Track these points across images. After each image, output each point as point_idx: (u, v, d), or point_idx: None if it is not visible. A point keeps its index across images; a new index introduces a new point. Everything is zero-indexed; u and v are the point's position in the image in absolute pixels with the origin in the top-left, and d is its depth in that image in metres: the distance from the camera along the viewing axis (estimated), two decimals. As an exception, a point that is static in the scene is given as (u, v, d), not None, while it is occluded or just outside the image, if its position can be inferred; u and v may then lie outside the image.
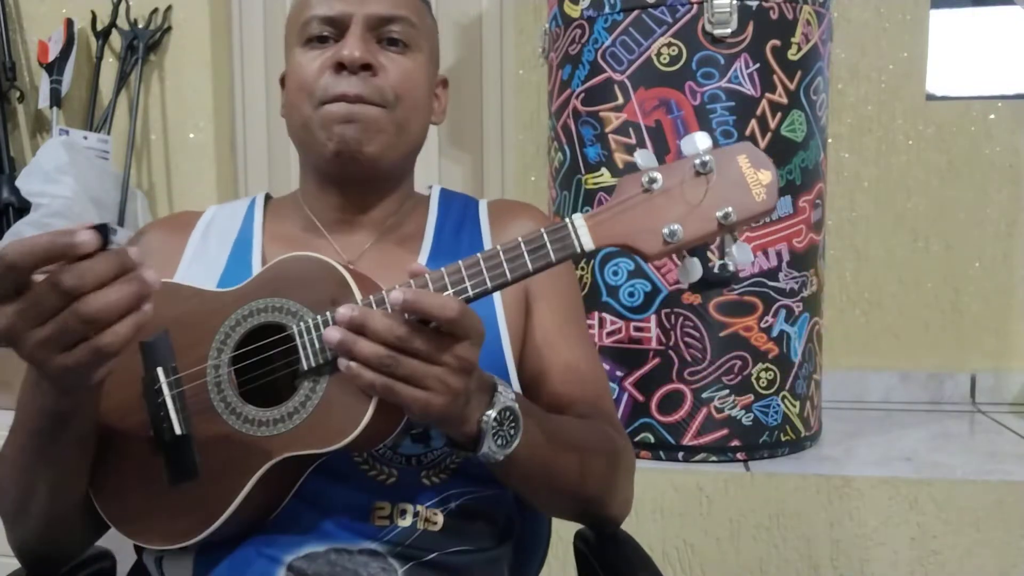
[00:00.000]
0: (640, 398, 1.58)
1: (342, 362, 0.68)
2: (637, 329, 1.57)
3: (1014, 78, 2.02)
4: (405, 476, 0.81)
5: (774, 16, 1.53)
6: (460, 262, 0.70)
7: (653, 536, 1.52)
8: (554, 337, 0.90)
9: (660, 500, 1.52)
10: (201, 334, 0.76)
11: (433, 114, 0.95)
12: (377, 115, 0.85)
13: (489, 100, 2.19)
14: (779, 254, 1.56)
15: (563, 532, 0.98)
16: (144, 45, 2.09)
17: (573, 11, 1.60)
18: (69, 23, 2.08)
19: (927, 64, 2.04)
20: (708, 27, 1.50)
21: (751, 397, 1.56)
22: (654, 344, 1.56)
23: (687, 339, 1.54)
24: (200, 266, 0.89)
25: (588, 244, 0.70)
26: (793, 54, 1.54)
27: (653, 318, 1.55)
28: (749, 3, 1.51)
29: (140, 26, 2.10)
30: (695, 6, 1.50)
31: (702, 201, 0.69)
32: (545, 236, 0.70)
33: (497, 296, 0.87)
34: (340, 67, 0.85)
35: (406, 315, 0.66)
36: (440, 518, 0.82)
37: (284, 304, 0.74)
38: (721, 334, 1.54)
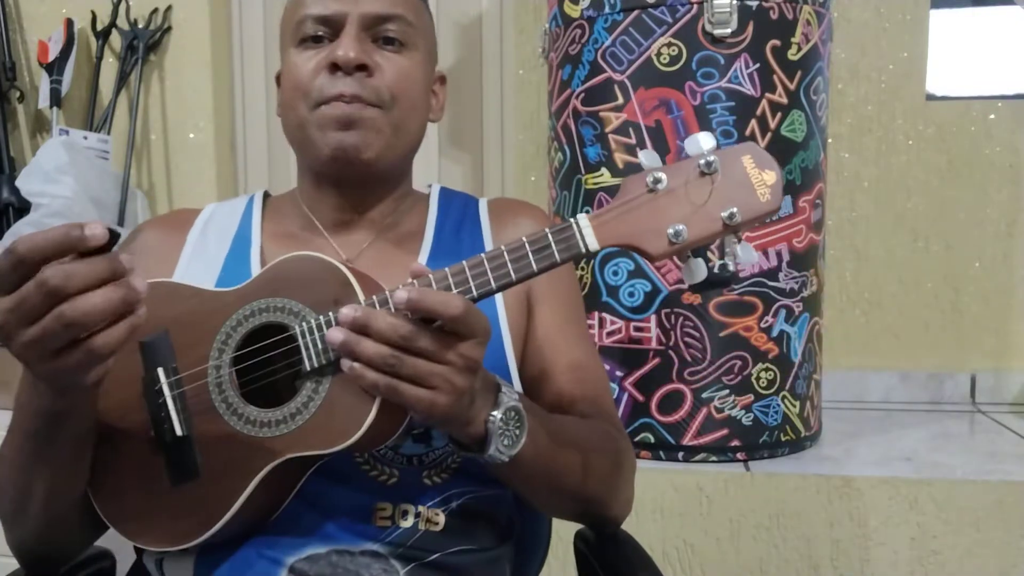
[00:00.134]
0: (640, 398, 1.58)
1: (345, 363, 0.67)
2: (637, 329, 1.57)
3: (1014, 78, 2.02)
4: (406, 476, 0.81)
5: (774, 16, 1.53)
6: (464, 262, 0.70)
7: (653, 536, 1.52)
8: (556, 337, 0.90)
9: (660, 500, 1.52)
10: (202, 334, 0.75)
11: (431, 112, 0.94)
12: (374, 116, 0.84)
13: (489, 100, 2.19)
14: (779, 254, 1.56)
15: (563, 532, 0.98)
16: (144, 45, 2.09)
17: (573, 11, 1.60)
18: (69, 23, 2.08)
19: (927, 64, 2.04)
20: (708, 27, 1.50)
21: (751, 397, 1.56)
22: (654, 344, 1.56)
23: (687, 339, 1.54)
24: (199, 264, 0.89)
25: (593, 244, 0.69)
26: (793, 54, 1.54)
27: (653, 318, 1.55)
28: (749, 3, 1.51)
29: (140, 26, 2.10)
30: (695, 6, 1.50)
31: (707, 201, 0.69)
32: (550, 236, 0.70)
33: (498, 296, 0.87)
34: (335, 68, 0.84)
35: (409, 314, 0.66)
36: (441, 518, 0.81)
37: (286, 304, 0.74)
38: (721, 334, 1.54)
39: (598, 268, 1.59)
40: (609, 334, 1.59)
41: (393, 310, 0.68)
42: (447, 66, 2.17)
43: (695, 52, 1.51)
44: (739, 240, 0.70)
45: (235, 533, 0.76)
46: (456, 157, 2.22)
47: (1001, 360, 2.06)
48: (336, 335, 0.67)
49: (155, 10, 2.11)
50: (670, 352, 1.55)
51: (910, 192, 2.06)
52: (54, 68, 2.06)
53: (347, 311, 0.67)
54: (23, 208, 1.92)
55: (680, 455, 1.57)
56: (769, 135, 1.54)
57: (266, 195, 0.98)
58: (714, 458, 1.56)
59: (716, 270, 0.71)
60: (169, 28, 2.12)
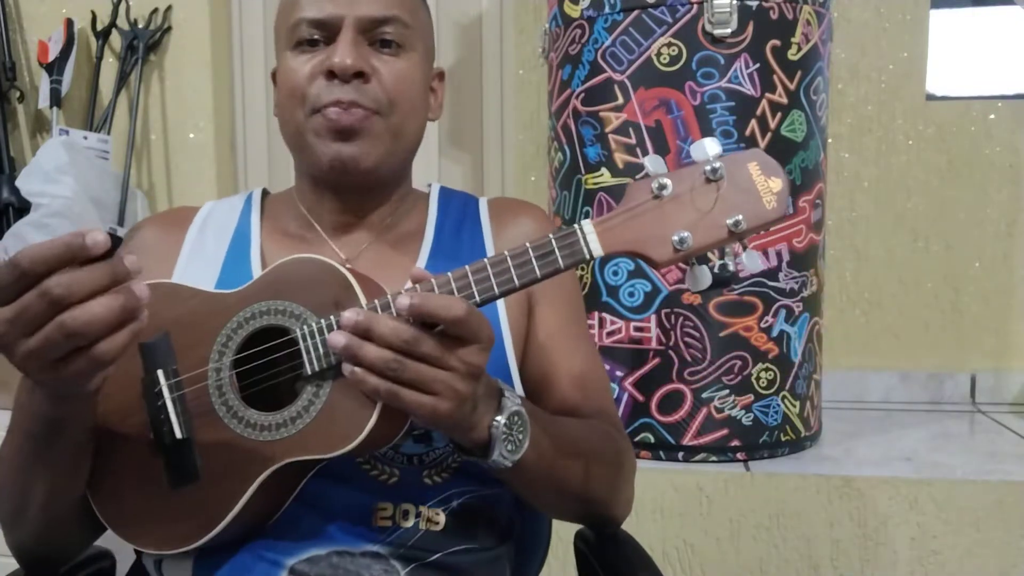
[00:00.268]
0: (640, 398, 1.58)
1: (346, 367, 0.67)
2: (637, 329, 1.57)
3: (1014, 78, 2.02)
4: (407, 476, 0.81)
5: (774, 16, 1.53)
6: (467, 267, 0.69)
7: (653, 536, 1.52)
8: (557, 339, 0.90)
9: (660, 500, 1.52)
10: (202, 336, 0.75)
11: (430, 110, 0.92)
12: (372, 123, 0.83)
13: (489, 100, 2.19)
14: (779, 254, 1.56)
15: (563, 532, 0.98)
16: (144, 45, 2.09)
17: (573, 11, 1.60)
18: (69, 23, 2.08)
19: (927, 64, 2.04)
20: (708, 27, 1.50)
21: (751, 397, 1.56)
22: (654, 344, 1.56)
23: (687, 339, 1.54)
24: (198, 263, 0.88)
25: (597, 251, 0.69)
26: (793, 54, 1.54)
27: (653, 318, 1.55)
28: (749, 3, 1.51)
29: (140, 26, 2.10)
30: (695, 6, 1.50)
31: (712, 209, 0.68)
32: (554, 242, 0.69)
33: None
34: (332, 75, 0.82)
35: (410, 319, 0.66)
36: (442, 518, 0.81)
37: (287, 307, 0.73)
38: (721, 334, 1.54)
39: (598, 268, 1.58)
40: (609, 334, 1.59)
41: (395, 315, 0.67)
42: (447, 66, 2.17)
43: (695, 52, 1.51)
44: (744, 247, 0.70)
45: (234, 536, 0.76)
46: (456, 157, 2.22)
47: (1001, 360, 2.06)
48: (338, 339, 0.66)
49: (155, 10, 2.11)
50: (670, 352, 1.55)
51: (910, 192, 2.06)
52: (54, 68, 2.06)
53: (349, 315, 0.66)
54: (23, 208, 1.92)
55: (680, 455, 1.57)
56: (769, 135, 1.54)
57: (265, 192, 0.98)
58: (714, 458, 1.56)
59: (716, 270, 0.70)
60: (169, 28, 2.12)
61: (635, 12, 1.53)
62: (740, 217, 0.68)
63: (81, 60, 2.14)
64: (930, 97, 2.04)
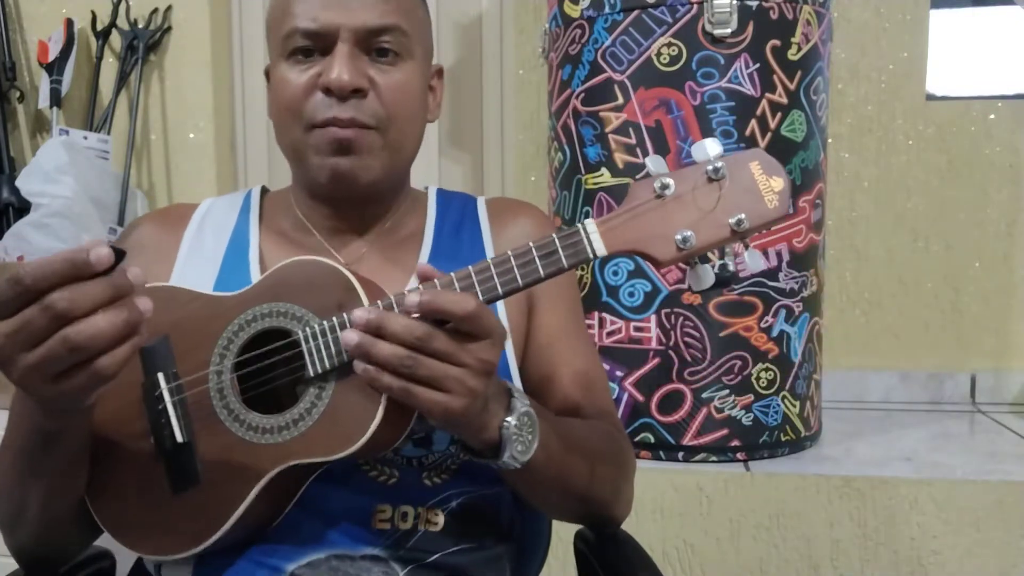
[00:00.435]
0: (640, 398, 1.58)
1: (359, 365, 0.66)
2: (637, 329, 1.57)
3: (1014, 78, 2.02)
4: (406, 477, 0.80)
5: (774, 16, 1.53)
6: (470, 268, 0.69)
7: (653, 536, 1.52)
8: (558, 340, 0.89)
9: (660, 500, 1.52)
10: (202, 339, 0.74)
11: (429, 111, 0.91)
12: (371, 139, 0.82)
13: (489, 100, 2.19)
14: (779, 254, 1.56)
15: (563, 532, 0.98)
16: (144, 45, 2.09)
17: (573, 11, 1.60)
18: (69, 23, 2.08)
19: (927, 64, 2.04)
20: (708, 27, 1.50)
21: (751, 397, 1.56)
22: (654, 344, 1.56)
23: (687, 339, 1.54)
24: (196, 262, 0.87)
25: (600, 250, 0.69)
26: (793, 54, 1.54)
27: (653, 318, 1.55)
28: (749, 3, 1.51)
29: (140, 26, 2.10)
30: (695, 6, 1.50)
31: (715, 208, 0.68)
32: (557, 242, 0.69)
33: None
34: (329, 90, 0.80)
35: (421, 317, 0.66)
36: (441, 518, 0.81)
37: (289, 309, 0.73)
38: (721, 334, 1.54)
39: (598, 268, 1.58)
40: (609, 334, 1.59)
41: (403, 314, 0.67)
42: (447, 66, 2.17)
43: (695, 52, 1.51)
44: (747, 246, 0.70)
45: (235, 540, 0.76)
46: (456, 157, 2.22)
47: (1001, 360, 2.06)
48: (351, 336, 0.66)
49: (155, 10, 2.11)
50: (670, 352, 1.55)
51: (910, 192, 2.06)
52: (54, 68, 2.06)
53: (361, 313, 0.66)
54: (23, 208, 1.92)
55: (680, 455, 1.57)
56: (769, 135, 1.54)
57: (264, 190, 0.97)
58: (714, 458, 1.56)
59: (717, 270, 0.71)
60: (169, 28, 2.12)
61: (635, 12, 1.53)
62: (742, 216, 0.68)
63: (81, 60, 2.14)
64: (930, 97, 2.04)
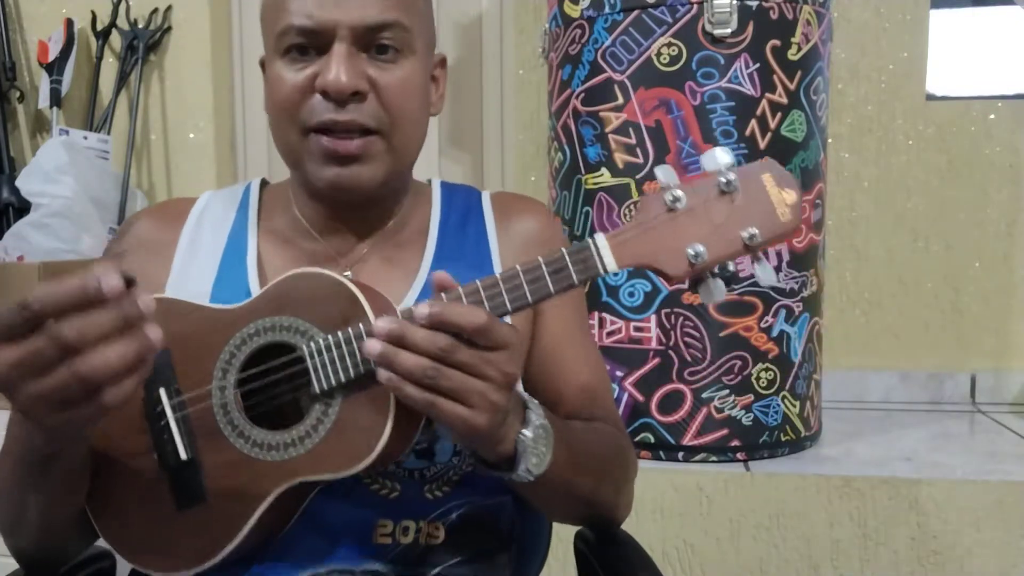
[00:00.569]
0: (640, 398, 1.58)
1: (382, 373, 0.65)
2: (637, 329, 1.57)
3: (1014, 78, 2.02)
4: (408, 490, 0.79)
5: (774, 16, 1.53)
6: (478, 282, 0.68)
7: (653, 536, 1.52)
8: (564, 345, 0.89)
9: (660, 500, 1.52)
10: (203, 353, 0.72)
11: (432, 105, 0.87)
12: (373, 145, 0.79)
13: (489, 100, 2.19)
14: (779, 254, 1.56)
15: (563, 532, 0.98)
16: (144, 45, 2.09)
17: (573, 11, 1.60)
18: (69, 23, 2.08)
19: (927, 64, 2.04)
20: (708, 27, 1.50)
21: (751, 397, 1.56)
22: (654, 344, 1.56)
23: (687, 339, 1.54)
24: (194, 263, 0.85)
25: (611, 265, 0.68)
26: (793, 54, 1.54)
27: (653, 318, 1.55)
28: (749, 3, 1.51)
29: (140, 26, 2.11)
30: (695, 6, 1.50)
31: (727, 221, 0.67)
32: (567, 257, 0.68)
33: None
34: (326, 93, 0.77)
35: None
36: (442, 532, 0.80)
37: (292, 323, 0.71)
38: (721, 334, 1.54)
39: (598, 268, 1.58)
40: (609, 334, 1.59)
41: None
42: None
43: (695, 52, 1.51)
44: (758, 260, 0.69)
45: (236, 557, 0.74)
46: (456, 157, 2.22)
47: (1001, 360, 2.06)
48: (374, 346, 0.65)
49: (155, 10, 2.11)
50: (670, 352, 1.55)
51: (910, 192, 2.06)
52: (54, 68, 2.06)
53: (383, 322, 0.65)
54: (23, 208, 1.92)
55: (680, 455, 1.57)
56: (769, 135, 1.54)
57: (264, 182, 0.94)
58: (714, 458, 1.56)
59: (716, 270, 0.70)
60: (169, 28, 2.12)
61: (635, 12, 1.53)
62: (755, 230, 0.67)
63: (81, 60, 2.14)
64: (930, 97, 2.04)
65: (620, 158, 1.56)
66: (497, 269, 0.85)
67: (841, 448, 1.68)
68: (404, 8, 0.80)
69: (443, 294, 0.68)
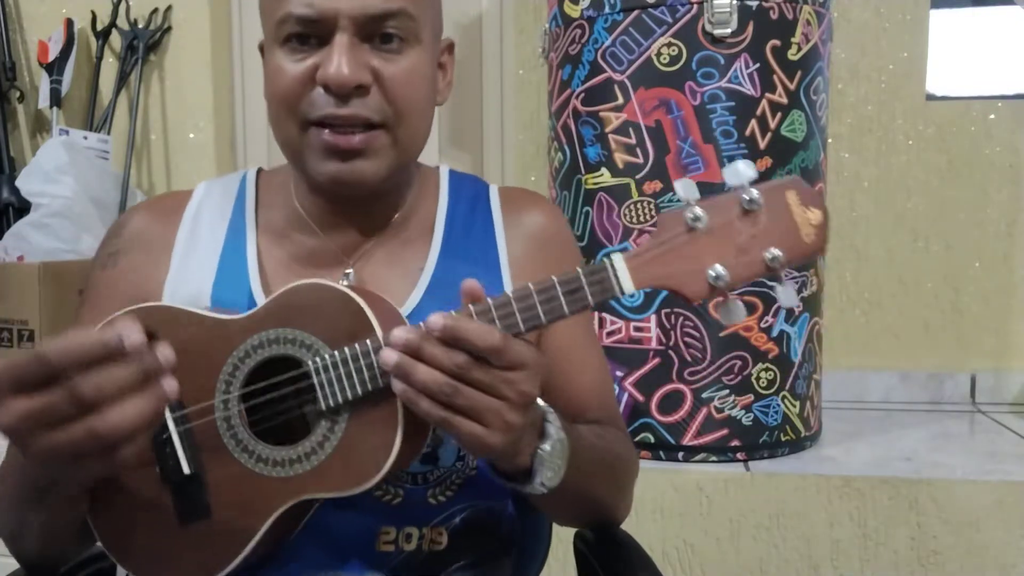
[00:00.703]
0: (640, 398, 1.58)
1: (397, 386, 0.63)
2: (637, 329, 1.57)
3: (1014, 78, 2.02)
4: (411, 495, 0.77)
5: (774, 16, 1.53)
6: (489, 300, 0.65)
7: (653, 536, 1.52)
8: (570, 348, 0.87)
9: (660, 500, 1.52)
10: (205, 365, 0.70)
11: (438, 93, 0.83)
12: (377, 139, 0.75)
13: (489, 100, 2.19)
14: (779, 254, 1.56)
15: (563, 532, 0.98)
16: (144, 45, 2.09)
17: (573, 11, 1.60)
18: (69, 23, 2.08)
19: (927, 64, 2.04)
20: (708, 27, 1.50)
21: (751, 397, 1.56)
22: (654, 344, 1.56)
23: (687, 339, 1.54)
24: (193, 262, 0.82)
25: (628, 287, 0.65)
26: (793, 54, 1.54)
27: (653, 318, 1.55)
28: (749, 3, 1.51)
29: (140, 26, 2.11)
30: (695, 6, 1.50)
31: (749, 242, 0.64)
32: (583, 277, 0.65)
33: None
34: (328, 87, 0.73)
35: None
36: (445, 537, 0.79)
37: (297, 336, 0.69)
38: (721, 334, 1.54)
39: (598, 268, 1.58)
40: (609, 334, 1.59)
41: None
42: (447, 66, 2.17)
43: (695, 52, 1.51)
44: (780, 281, 0.66)
45: (239, 570, 0.73)
46: (456, 157, 2.22)
47: (1001, 360, 2.06)
48: (390, 356, 0.63)
49: (155, 10, 2.11)
50: (670, 352, 1.55)
51: (910, 192, 2.06)
52: (54, 68, 2.06)
53: (401, 332, 0.63)
54: (23, 208, 1.92)
55: (680, 455, 1.57)
56: (769, 135, 1.54)
57: (259, 172, 0.91)
58: (714, 458, 1.56)
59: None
60: (169, 28, 2.12)
61: (635, 12, 1.53)
62: (778, 252, 0.64)
63: (81, 60, 2.14)
64: (930, 97, 2.04)
65: (620, 158, 1.56)
66: (504, 267, 0.83)
67: (841, 448, 1.68)
68: None
69: (453, 311, 0.65)
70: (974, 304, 2.06)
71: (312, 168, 0.77)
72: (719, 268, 0.64)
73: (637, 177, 1.54)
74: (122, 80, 2.11)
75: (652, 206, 1.54)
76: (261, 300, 0.78)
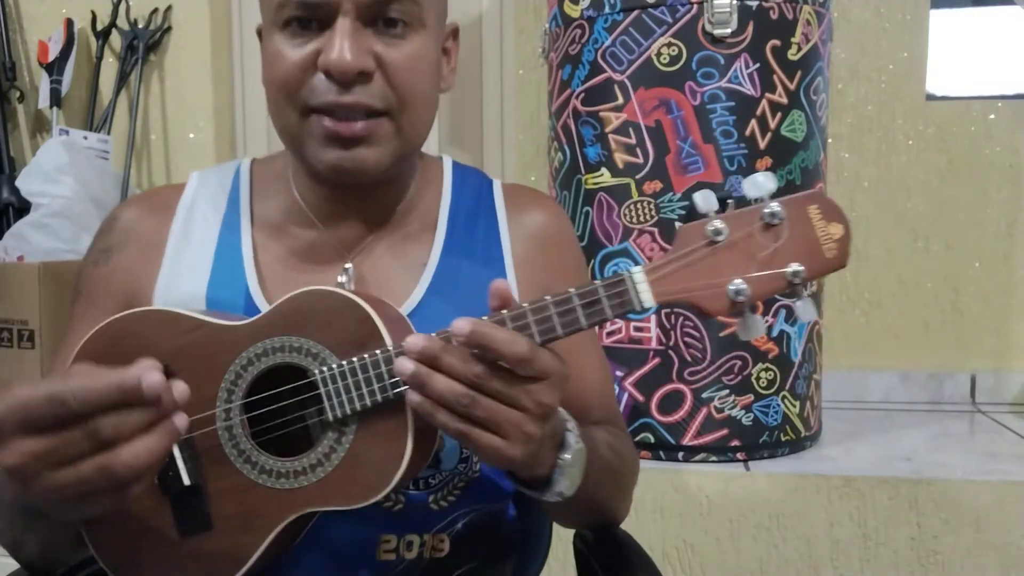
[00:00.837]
0: (640, 398, 1.58)
1: (412, 398, 0.61)
2: (637, 329, 1.57)
3: (1014, 78, 2.02)
4: (413, 502, 0.76)
5: (774, 16, 1.53)
6: (505, 313, 0.63)
7: (653, 536, 1.52)
8: (569, 343, 0.83)
9: (660, 500, 1.52)
10: (206, 372, 0.68)
11: (443, 80, 0.81)
12: (379, 127, 0.73)
13: (489, 100, 2.19)
14: (779, 254, 1.56)
15: (563, 532, 0.98)
16: (144, 45, 2.09)
17: (573, 11, 1.60)
18: (69, 23, 2.08)
19: (927, 64, 2.04)
20: (708, 27, 1.50)
21: (751, 397, 1.56)
22: (654, 344, 1.56)
23: (687, 339, 1.54)
24: (186, 258, 0.80)
25: (648, 301, 0.64)
26: (793, 54, 1.54)
27: (653, 318, 1.55)
28: (749, 3, 1.51)
29: (140, 26, 2.10)
30: (695, 6, 1.50)
31: (770, 257, 0.63)
32: (601, 291, 0.64)
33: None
34: (329, 73, 0.71)
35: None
36: (447, 544, 0.77)
37: (303, 344, 0.67)
38: (721, 334, 1.54)
39: (598, 268, 1.58)
40: (609, 334, 1.59)
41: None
42: (447, 66, 2.17)
43: (695, 52, 1.51)
44: (800, 297, 0.65)
45: None
46: (456, 156, 2.19)
47: (1001, 360, 2.06)
48: (406, 365, 0.60)
49: (155, 10, 2.11)
50: (670, 352, 1.55)
51: (910, 192, 2.06)
52: (54, 68, 2.06)
53: (416, 340, 0.60)
54: (23, 208, 1.92)
55: (680, 455, 1.57)
56: (769, 135, 1.54)
57: (254, 162, 0.88)
58: (714, 458, 1.56)
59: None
60: (169, 28, 2.12)
61: (635, 12, 1.53)
62: (799, 267, 0.63)
63: (81, 60, 2.14)
64: (930, 97, 2.04)
65: (620, 158, 1.56)
66: (508, 265, 0.82)
67: (841, 448, 1.68)
68: None
69: (476, 319, 0.62)
70: (974, 304, 2.06)
71: (312, 156, 0.75)
72: (740, 284, 0.63)
73: (637, 177, 1.54)
74: (122, 80, 2.11)
75: (652, 206, 1.54)
76: (258, 297, 0.77)
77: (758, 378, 1.56)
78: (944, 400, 2.07)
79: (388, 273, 0.77)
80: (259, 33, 0.79)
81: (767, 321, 1.56)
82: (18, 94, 2.17)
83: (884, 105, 2.05)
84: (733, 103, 1.52)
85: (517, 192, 0.88)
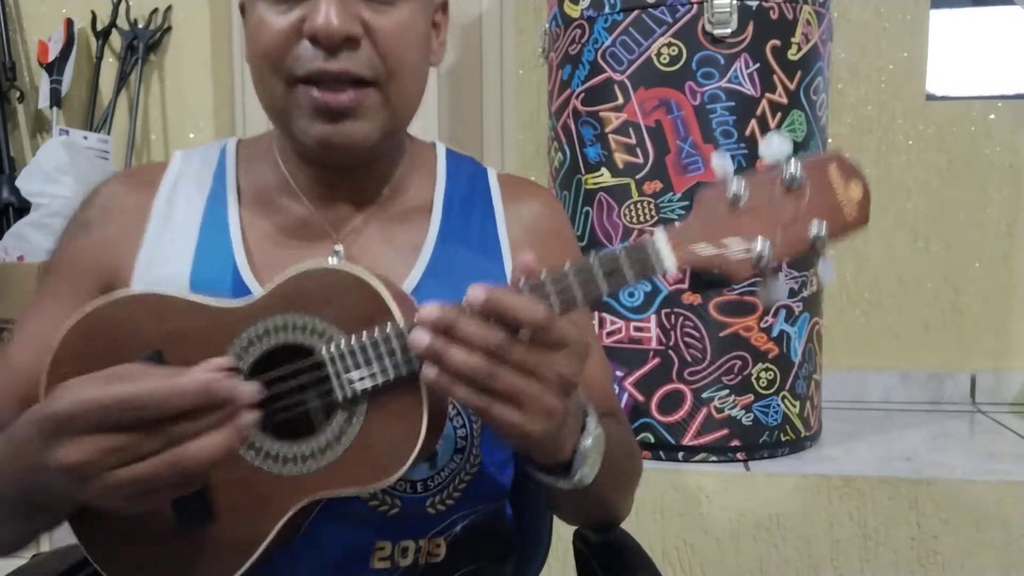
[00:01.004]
0: (640, 398, 1.58)
1: (428, 373, 0.58)
2: (637, 329, 1.57)
3: (1014, 78, 2.02)
4: (409, 505, 0.73)
5: (774, 16, 1.53)
6: (522, 282, 0.61)
7: (653, 536, 1.52)
8: None
9: (660, 500, 1.52)
10: (205, 355, 0.63)
11: (432, 54, 0.78)
12: (368, 97, 0.71)
13: (489, 100, 2.19)
14: (779, 254, 1.56)
15: (563, 532, 0.98)
16: (144, 45, 2.09)
17: (573, 11, 1.60)
18: (69, 23, 2.08)
19: (927, 64, 2.04)
20: (708, 27, 1.50)
21: (751, 397, 1.56)
22: (654, 344, 1.56)
23: (687, 339, 1.54)
24: (169, 236, 0.77)
25: (671, 265, 0.62)
26: (793, 54, 1.54)
27: (653, 318, 1.55)
28: (749, 3, 1.51)
29: (140, 26, 2.11)
30: (695, 6, 1.50)
31: (791, 219, 0.62)
32: (622, 255, 0.61)
33: None
34: (315, 39, 0.68)
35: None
36: (443, 548, 0.75)
37: (307, 323, 0.63)
38: (721, 334, 1.54)
39: (598, 268, 1.58)
40: (609, 334, 1.59)
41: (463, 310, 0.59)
42: (447, 67, 2.17)
43: (695, 52, 1.51)
44: (823, 257, 0.64)
45: None
46: (456, 157, 2.22)
47: (1001, 360, 2.06)
48: (421, 338, 0.57)
49: (155, 10, 2.11)
50: (670, 352, 1.55)
51: (910, 192, 2.06)
52: (54, 68, 2.06)
53: (431, 309, 0.57)
54: (23, 208, 1.92)
55: (680, 455, 1.57)
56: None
57: (239, 141, 0.86)
58: (714, 458, 1.56)
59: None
60: (169, 28, 2.12)
61: (635, 12, 1.53)
62: (820, 230, 0.62)
63: (81, 60, 2.14)
64: (930, 97, 2.04)
65: (620, 158, 1.56)
66: (505, 253, 0.81)
67: (841, 448, 1.68)
68: None
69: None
70: (974, 304, 2.06)
71: (299, 130, 0.72)
72: (763, 245, 0.62)
73: (637, 177, 1.54)
74: (122, 80, 2.11)
75: (652, 206, 1.54)
76: (247, 274, 0.74)
77: (758, 378, 1.56)
78: (944, 400, 2.07)
79: (379, 255, 0.75)
80: (242, 8, 0.76)
81: (767, 321, 1.56)
82: (18, 94, 2.17)
83: (884, 105, 2.05)
84: (733, 103, 1.52)
85: (513, 182, 0.86)
